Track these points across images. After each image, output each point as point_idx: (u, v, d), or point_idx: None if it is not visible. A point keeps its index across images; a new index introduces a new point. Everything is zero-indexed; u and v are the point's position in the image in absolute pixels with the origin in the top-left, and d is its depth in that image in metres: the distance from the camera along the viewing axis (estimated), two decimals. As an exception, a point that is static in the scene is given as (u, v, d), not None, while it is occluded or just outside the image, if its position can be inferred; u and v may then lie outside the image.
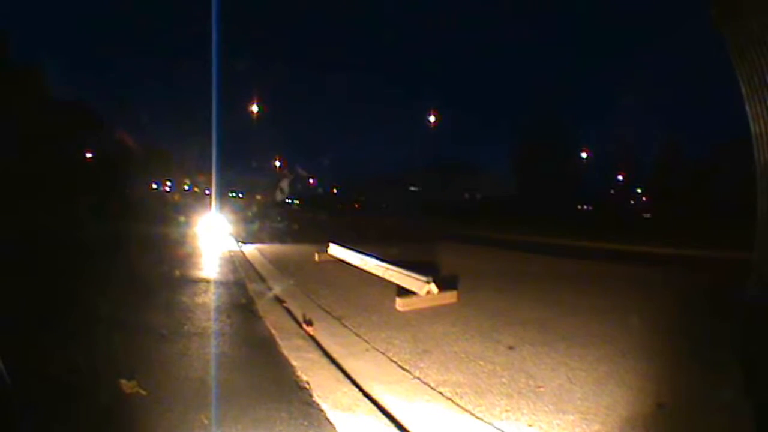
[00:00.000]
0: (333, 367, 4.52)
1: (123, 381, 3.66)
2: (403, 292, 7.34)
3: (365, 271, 9.55)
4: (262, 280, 9.33)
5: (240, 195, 71.57)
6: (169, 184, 66.64)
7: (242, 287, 8.42)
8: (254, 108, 40.51)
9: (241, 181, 71.70)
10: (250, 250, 14.32)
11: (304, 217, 40.06)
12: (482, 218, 36.13)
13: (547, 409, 3.64)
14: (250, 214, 32.13)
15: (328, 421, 3.39)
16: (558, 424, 3.40)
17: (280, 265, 11.10)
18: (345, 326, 6.01)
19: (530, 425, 3.40)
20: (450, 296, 7.37)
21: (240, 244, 15.84)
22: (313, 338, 5.48)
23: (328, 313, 6.67)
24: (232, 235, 18.59)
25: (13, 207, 20.29)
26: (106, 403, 3.45)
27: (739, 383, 3.65)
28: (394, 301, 7.00)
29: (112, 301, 6.59)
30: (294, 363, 4.56)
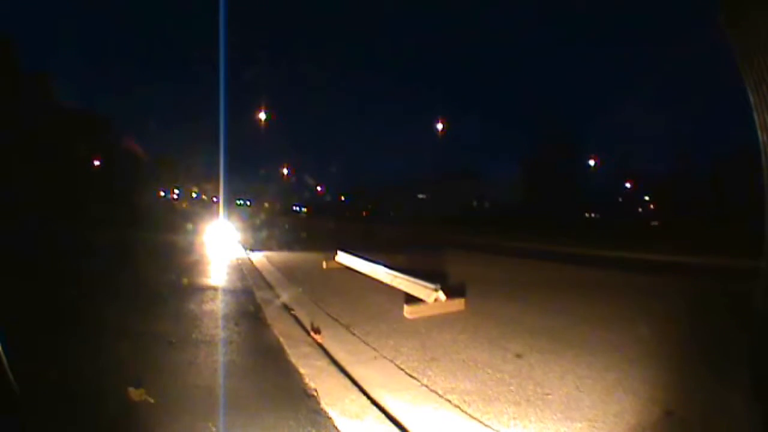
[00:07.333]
0: (341, 375, 4.53)
1: (131, 389, 3.68)
2: (411, 299, 7.34)
3: (373, 278, 9.55)
4: (270, 287, 9.35)
5: (248, 203, 71.91)
6: (176, 192, 67.07)
7: (250, 295, 8.44)
8: (262, 116, 40.72)
9: (249, 188, 72.10)
10: (258, 257, 14.37)
11: (311, 225, 40.08)
12: (490, 226, 36.09)
13: (555, 417, 3.62)
14: (257, 221, 32.23)
15: (336, 428, 3.39)
16: (566, 432, 3.39)
17: (288, 273, 11.13)
18: (353, 334, 6.02)
19: (538, 433, 3.39)
20: (458, 304, 7.36)
21: (248, 251, 15.89)
22: (320, 346, 5.49)
23: (336, 320, 6.68)
24: (239, 242, 18.66)
25: (21, 213, 20.48)
26: (114, 411, 3.47)
27: (748, 391, 3.63)
28: (402, 308, 7.00)
29: (120, 309, 6.65)
30: (302, 371, 4.57)
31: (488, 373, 4.60)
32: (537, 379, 4.45)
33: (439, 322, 6.55)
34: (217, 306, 7.44)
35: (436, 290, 7.15)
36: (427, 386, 4.25)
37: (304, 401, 3.85)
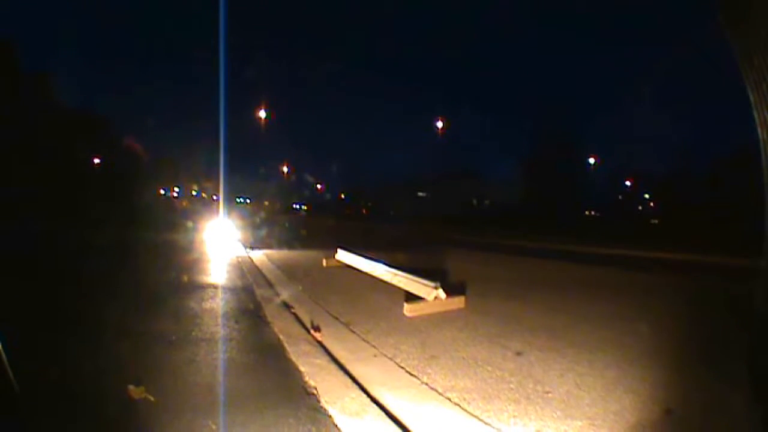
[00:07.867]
0: (341, 373, 4.53)
1: (131, 387, 3.69)
2: (411, 297, 7.34)
3: (373, 276, 9.55)
4: (270, 285, 9.36)
5: (247, 201, 71.85)
6: (176, 190, 67.10)
7: (250, 293, 8.45)
8: (262, 114, 40.72)
9: (249, 187, 72.02)
10: (258, 255, 14.37)
11: (311, 223, 40.08)
12: (490, 224, 36.10)
13: (555, 414, 3.63)
14: (257, 220, 32.20)
15: (336, 426, 3.40)
16: (566, 430, 3.39)
17: (288, 271, 11.13)
18: (353, 332, 6.02)
19: (538, 431, 3.39)
20: (458, 302, 7.36)
21: (248, 249, 15.89)
22: (320, 344, 5.50)
23: (336, 318, 6.69)
24: (240, 240, 18.65)
25: (22, 213, 20.48)
26: (114, 410, 3.48)
27: (748, 390, 3.63)
28: (402, 306, 7.01)
29: (120, 307, 6.64)
30: (302, 368, 4.58)
31: (488, 371, 4.60)
32: (537, 377, 4.46)
33: (439, 320, 6.56)
34: (217, 304, 7.44)
35: (436, 288, 7.15)
36: (427, 384, 4.26)
37: (304, 399, 3.86)
